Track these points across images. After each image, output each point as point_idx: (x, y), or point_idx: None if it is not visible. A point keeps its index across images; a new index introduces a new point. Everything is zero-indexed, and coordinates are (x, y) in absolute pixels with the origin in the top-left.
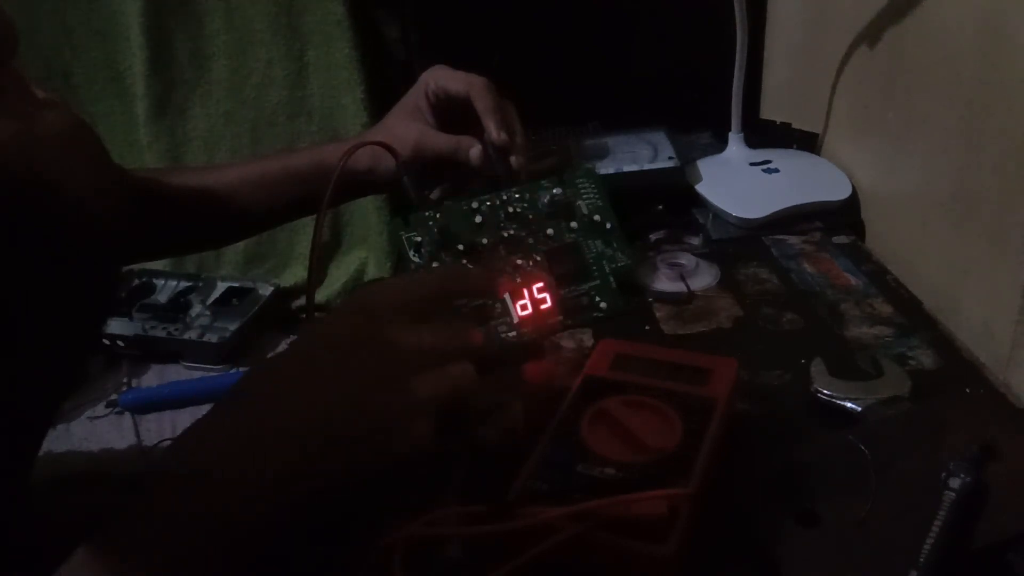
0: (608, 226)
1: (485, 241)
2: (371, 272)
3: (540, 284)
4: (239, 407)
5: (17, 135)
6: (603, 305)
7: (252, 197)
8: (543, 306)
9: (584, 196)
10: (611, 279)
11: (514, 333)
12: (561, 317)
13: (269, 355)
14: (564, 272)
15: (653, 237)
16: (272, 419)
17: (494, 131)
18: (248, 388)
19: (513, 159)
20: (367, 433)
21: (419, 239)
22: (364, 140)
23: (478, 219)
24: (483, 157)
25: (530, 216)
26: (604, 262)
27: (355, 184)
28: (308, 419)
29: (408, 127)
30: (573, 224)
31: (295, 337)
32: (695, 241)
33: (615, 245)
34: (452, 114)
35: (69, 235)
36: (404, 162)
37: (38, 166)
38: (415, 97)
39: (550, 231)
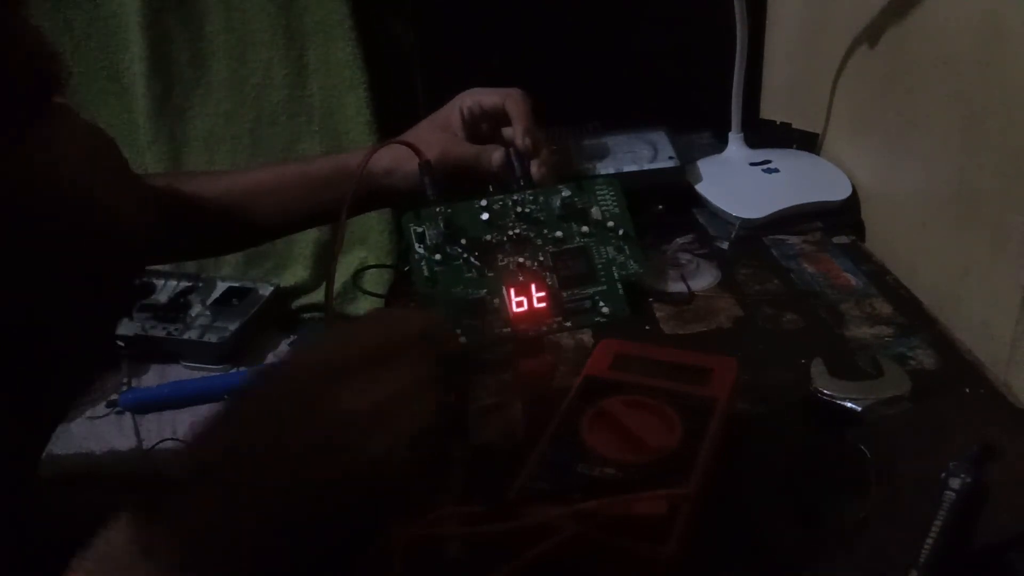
0: (621, 232)
1: (489, 238)
2: (371, 272)
3: (539, 283)
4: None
5: (42, 143)
6: (606, 310)
7: (269, 202)
8: (539, 304)
9: (601, 202)
10: (619, 286)
11: (508, 329)
12: (560, 318)
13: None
14: (569, 274)
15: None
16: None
17: (520, 135)
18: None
19: (534, 167)
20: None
21: (423, 231)
22: (388, 142)
23: (485, 216)
24: (505, 161)
25: (540, 217)
26: (614, 268)
27: (375, 190)
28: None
29: (434, 135)
30: (584, 228)
31: (293, 342)
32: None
33: (628, 252)
34: (482, 132)
35: (93, 242)
36: (426, 161)
37: (61, 173)
38: (447, 112)
39: (559, 233)
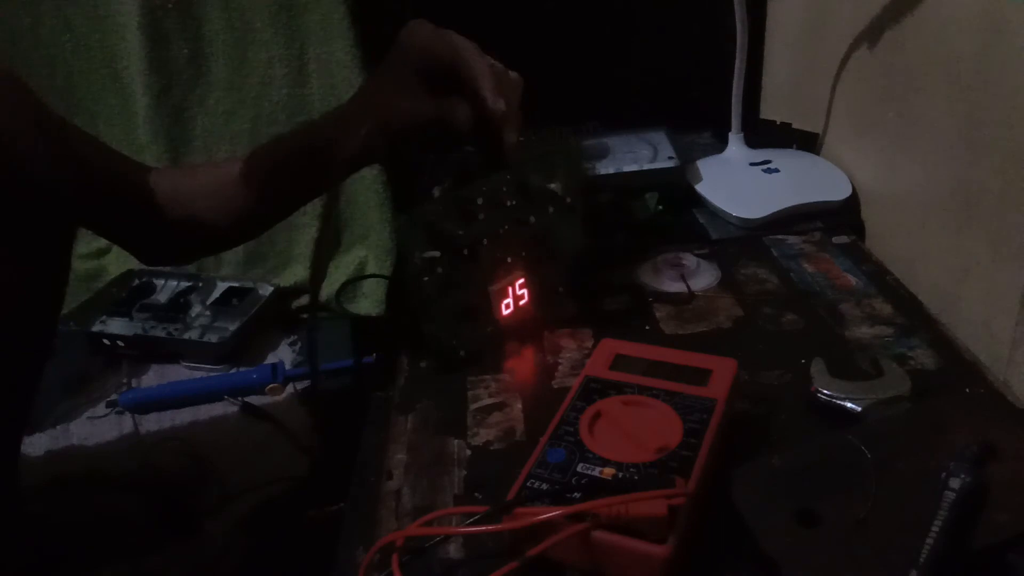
0: (568, 200)
1: (486, 241)
2: (371, 270)
3: (521, 280)
4: None
5: None
6: (560, 290)
7: (272, 178)
8: (522, 302)
9: (558, 178)
10: (570, 263)
11: (492, 329)
12: (541, 311)
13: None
14: (535, 259)
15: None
16: None
17: (490, 100)
18: None
19: (508, 137)
20: None
21: (416, 238)
22: (350, 109)
23: (481, 216)
24: (472, 122)
25: (522, 208)
26: (565, 245)
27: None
28: None
29: (389, 93)
30: (551, 209)
31: (295, 337)
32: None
33: (574, 226)
34: (440, 74)
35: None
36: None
37: None
38: (399, 59)
39: (532, 219)
